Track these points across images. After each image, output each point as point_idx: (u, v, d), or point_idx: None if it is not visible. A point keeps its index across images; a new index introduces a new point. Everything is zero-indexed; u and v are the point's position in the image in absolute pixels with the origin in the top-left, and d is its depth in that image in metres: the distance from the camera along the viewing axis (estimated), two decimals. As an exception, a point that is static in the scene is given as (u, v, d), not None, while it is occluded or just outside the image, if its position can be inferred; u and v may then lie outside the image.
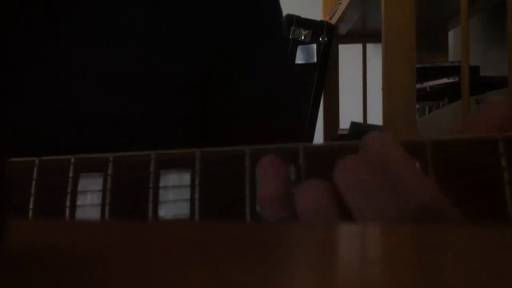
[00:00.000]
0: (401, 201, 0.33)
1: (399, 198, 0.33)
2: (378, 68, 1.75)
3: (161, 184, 0.38)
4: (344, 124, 2.43)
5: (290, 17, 2.18)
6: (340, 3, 2.28)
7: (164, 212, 0.37)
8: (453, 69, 1.83)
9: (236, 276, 0.16)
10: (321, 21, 2.31)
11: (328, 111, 2.50)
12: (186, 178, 0.38)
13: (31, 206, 0.39)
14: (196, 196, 0.37)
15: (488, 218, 0.34)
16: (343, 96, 2.55)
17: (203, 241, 0.22)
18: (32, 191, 0.39)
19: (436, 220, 0.33)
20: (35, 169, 0.39)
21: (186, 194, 0.37)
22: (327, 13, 2.55)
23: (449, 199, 0.33)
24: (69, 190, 0.39)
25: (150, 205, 0.37)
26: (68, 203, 0.38)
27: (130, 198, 0.38)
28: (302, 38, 2.20)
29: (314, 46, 2.20)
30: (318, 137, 2.35)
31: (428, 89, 1.86)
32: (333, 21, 2.35)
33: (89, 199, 0.38)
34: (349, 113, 2.51)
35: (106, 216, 0.38)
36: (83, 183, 0.39)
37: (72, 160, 0.39)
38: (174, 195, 0.38)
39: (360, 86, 2.59)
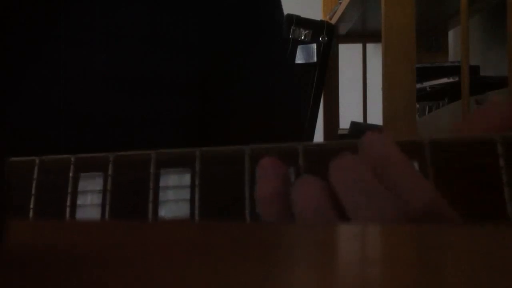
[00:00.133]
0: (398, 202, 0.33)
1: (396, 199, 0.33)
2: (378, 68, 1.75)
3: (161, 184, 0.38)
4: (344, 124, 2.43)
5: (290, 17, 2.18)
6: (340, 3, 2.28)
7: (164, 212, 0.37)
8: (453, 69, 1.83)
9: (236, 276, 0.16)
10: (321, 21, 2.31)
11: (328, 111, 2.50)
12: (186, 178, 0.38)
13: (31, 205, 0.39)
14: (196, 196, 0.37)
15: (487, 218, 0.34)
16: (343, 96, 2.55)
17: (203, 241, 0.22)
18: (33, 191, 0.39)
19: (434, 222, 0.33)
20: (36, 168, 0.39)
21: (186, 194, 0.37)
22: (327, 13, 2.55)
23: (447, 200, 0.33)
24: (69, 189, 0.39)
25: (150, 205, 0.37)
26: (68, 203, 0.38)
27: (130, 197, 0.38)
28: (302, 38, 2.20)
29: (314, 46, 2.20)
30: (318, 137, 2.35)
31: (428, 89, 1.86)
32: (333, 21, 2.35)
33: (89, 199, 0.38)
34: (349, 113, 2.51)
35: (106, 216, 0.38)
36: (83, 183, 0.39)
37: (73, 160, 0.39)
38: (174, 195, 0.38)
39: (360, 86, 2.59)
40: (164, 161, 0.38)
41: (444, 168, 0.35)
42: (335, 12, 2.36)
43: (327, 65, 2.25)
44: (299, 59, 2.18)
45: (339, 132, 2.47)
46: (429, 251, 0.20)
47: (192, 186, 0.37)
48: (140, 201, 0.38)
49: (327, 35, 2.21)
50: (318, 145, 0.37)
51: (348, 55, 2.64)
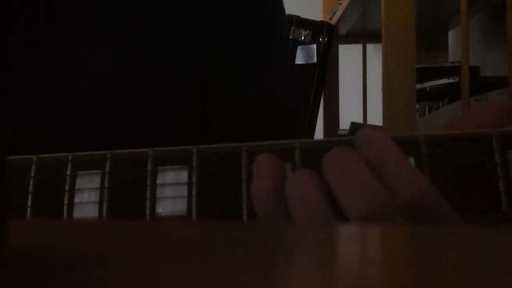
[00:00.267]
0: (388, 194, 0.33)
1: (386, 191, 0.33)
2: (378, 68, 1.75)
3: (159, 181, 0.38)
4: (344, 124, 2.43)
5: (290, 17, 2.18)
6: (340, 3, 2.28)
7: (162, 209, 0.38)
8: (453, 69, 1.83)
9: (236, 276, 0.16)
10: (321, 21, 2.31)
11: (328, 111, 2.50)
12: (183, 175, 0.38)
13: (29, 203, 0.39)
14: (194, 193, 0.37)
15: (483, 213, 0.34)
16: (343, 96, 2.55)
17: (203, 241, 0.22)
18: (30, 189, 0.39)
19: (429, 216, 0.33)
20: (33, 166, 0.39)
21: (184, 191, 0.37)
22: (327, 13, 2.55)
23: (443, 195, 0.33)
24: (67, 187, 0.39)
25: (148, 202, 0.38)
26: (66, 201, 0.39)
27: (128, 195, 0.38)
28: (302, 38, 2.20)
29: (314, 46, 2.20)
30: (318, 137, 2.35)
31: (428, 89, 1.86)
32: (333, 21, 2.35)
33: (87, 197, 0.38)
34: (349, 113, 2.51)
35: (104, 213, 0.38)
36: (81, 181, 0.39)
37: (70, 158, 0.39)
38: (172, 192, 0.38)
39: (360, 86, 2.59)
40: (162, 159, 0.38)
41: (440, 164, 0.35)
42: (335, 12, 2.36)
43: (327, 65, 2.25)
44: (299, 59, 2.18)
45: (339, 132, 2.47)
46: (429, 251, 0.20)
47: (190, 183, 0.37)
48: (138, 198, 0.38)
49: (327, 36, 2.21)
50: (315, 142, 0.38)
51: (348, 55, 2.64)
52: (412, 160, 0.35)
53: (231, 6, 0.59)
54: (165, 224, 0.32)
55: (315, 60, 2.19)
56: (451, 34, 2.36)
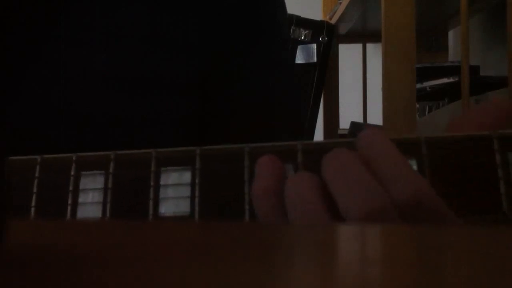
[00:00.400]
0: (385, 194, 0.33)
1: (384, 191, 0.33)
2: (378, 68, 1.75)
3: (162, 182, 0.38)
4: (344, 124, 2.43)
5: (290, 17, 2.18)
6: (340, 3, 2.28)
7: (165, 210, 0.38)
8: (453, 69, 1.83)
9: (236, 276, 0.16)
10: (321, 21, 2.31)
11: (328, 111, 2.50)
12: (186, 176, 0.38)
13: (33, 204, 0.39)
14: (196, 193, 0.37)
15: (484, 214, 0.34)
16: (343, 96, 2.55)
17: (203, 241, 0.22)
18: (34, 189, 0.39)
19: (427, 217, 0.33)
20: (37, 167, 0.39)
21: (187, 192, 0.38)
22: (327, 13, 2.55)
23: (444, 196, 0.33)
24: (70, 188, 0.39)
25: (151, 203, 0.38)
26: (69, 201, 0.39)
27: (131, 196, 0.38)
28: (302, 38, 2.20)
29: (314, 46, 2.20)
30: (318, 137, 2.35)
31: (428, 89, 1.86)
32: (333, 21, 2.35)
33: (91, 197, 0.39)
34: (349, 113, 2.51)
35: (108, 214, 0.38)
36: (84, 181, 0.39)
37: (74, 158, 0.39)
38: (175, 193, 0.38)
39: (360, 86, 2.59)
40: (165, 160, 0.38)
41: (441, 166, 0.35)
42: (335, 12, 2.36)
43: (327, 65, 2.25)
44: (299, 59, 2.18)
45: (339, 132, 2.47)
46: (429, 251, 0.20)
47: (193, 184, 0.38)
48: (141, 199, 0.38)
49: (327, 35, 2.21)
50: (317, 143, 0.38)
51: (348, 55, 2.64)
52: (413, 162, 0.35)
53: (231, 6, 0.59)
54: (165, 224, 0.32)
55: (315, 60, 2.19)
56: (451, 34, 2.36)
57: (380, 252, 0.21)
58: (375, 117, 2.25)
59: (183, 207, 0.37)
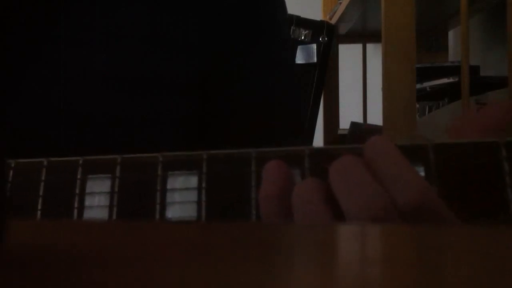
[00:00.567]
0: (389, 198, 0.33)
1: (388, 195, 0.33)
2: (378, 68, 1.75)
3: (168, 186, 0.38)
4: (344, 124, 2.43)
5: (290, 17, 2.18)
6: (340, 3, 2.28)
7: (171, 214, 0.38)
8: (453, 69, 1.83)
9: (236, 276, 0.16)
10: (321, 21, 2.31)
11: (328, 111, 2.50)
12: (193, 180, 0.38)
13: (39, 207, 0.39)
14: (203, 198, 0.37)
15: (492, 221, 0.34)
16: (343, 96, 2.55)
17: (203, 241, 0.22)
18: (40, 192, 0.39)
19: (429, 220, 0.33)
20: (44, 170, 0.39)
21: (193, 196, 0.38)
22: (327, 13, 2.55)
23: (451, 203, 0.33)
24: (77, 191, 0.39)
25: (157, 207, 0.38)
26: (76, 204, 0.39)
27: (137, 200, 0.38)
28: (302, 38, 2.20)
29: (314, 46, 2.20)
30: (318, 137, 2.35)
31: (428, 89, 1.86)
32: (333, 21, 2.35)
33: (97, 201, 0.39)
34: (349, 113, 2.51)
35: (114, 217, 0.38)
36: (91, 185, 0.39)
37: (80, 162, 0.39)
38: (181, 197, 0.38)
39: (360, 86, 2.59)
40: (171, 164, 0.38)
41: (447, 172, 0.35)
42: (335, 12, 2.36)
43: (327, 65, 2.25)
44: (299, 59, 2.18)
45: (339, 132, 2.47)
46: (429, 251, 0.20)
47: (199, 189, 0.38)
48: (147, 203, 0.38)
49: (327, 35, 2.21)
50: (325, 149, 0.38)
51: (348, 55, 2.64)
52: (421, 169, 0.35)
53: (231, 6, 0.59)
54: (165, 224, 0.32)
55: (315, 60, 2.19)
56: (451, 34, 2.36)
57: (380, 252, 0.21)
58: (375, 117, 2.25)
59: (189, 212, 0.37)
